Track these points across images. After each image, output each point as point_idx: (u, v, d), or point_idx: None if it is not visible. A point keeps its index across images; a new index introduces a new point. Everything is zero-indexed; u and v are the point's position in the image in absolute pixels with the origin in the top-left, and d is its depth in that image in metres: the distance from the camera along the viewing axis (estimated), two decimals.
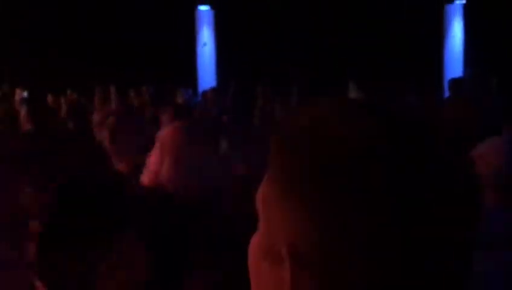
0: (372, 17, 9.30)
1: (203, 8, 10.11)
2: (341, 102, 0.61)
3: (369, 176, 0.53)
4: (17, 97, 8.38)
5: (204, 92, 8.33)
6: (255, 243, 0.61)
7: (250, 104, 7.25)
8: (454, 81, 7.63)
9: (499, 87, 6.88)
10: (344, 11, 9.40)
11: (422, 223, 0.53)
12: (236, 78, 8.60)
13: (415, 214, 0.53)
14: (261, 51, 9.59)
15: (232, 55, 9.78)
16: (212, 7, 10.10)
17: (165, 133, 2.07)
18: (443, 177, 0.55)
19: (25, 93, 8.53)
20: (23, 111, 5.21)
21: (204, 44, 10.23)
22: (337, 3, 9.42)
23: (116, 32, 9.95)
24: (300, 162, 0.56)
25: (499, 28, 8.79)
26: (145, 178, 2.08)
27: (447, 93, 7.97)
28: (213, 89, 8.16)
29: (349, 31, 9.34)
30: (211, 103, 7.56)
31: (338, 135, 0.55)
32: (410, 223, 0.53)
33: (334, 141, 0.55)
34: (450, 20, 9.56)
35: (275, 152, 0.59)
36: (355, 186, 0.53)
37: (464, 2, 9.36)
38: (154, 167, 2.04)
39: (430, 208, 0.54)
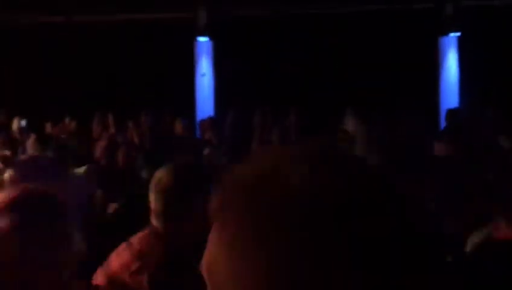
0: (369, 48, 9.44)
1: (202, 39, 10.24)
2: (287, 155, 0.59)
3: (319, 238, 0.52)
4: (15, 126, 8.41)
5: (202, 122, 8.39)
6: None
7: (249, 133, 7.29)
8: (450, 112, 7.72)
9: (494, 117, 6.94)
10: (342, 42, 9.53)
11: (374, 273, 0.53)
12: (234, 107, 8.68)
13: (364, 266, 0.52)
14: (259, 81, 9.69)
15: (231, 85, 9.87)
16: (211, 38, 10.23)
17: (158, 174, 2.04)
18: (391, 231, 0.54)
19: (24, 122, 8.55)
20: (31, 139, 5.20)
21: (203, 74, 10.34)
22: (335, 34, 9.57)
23: (115, 61, 10.05)
24: (247, 220, 0.55)
25: (492, 59, 8.93)
26: None
27: (443, 123, 8.05)
28: (210, 118, 8.22)
29: (346, 61, 9.47)
30: (208, 132, 7.61)
31: (284, 193, 0.54)
32: (360, 274, 0.52)
33: (280, 199, 0.54)
34: (445, 52, 9.70)
35: (221, 210, 0.58)
36: (306, 245, 0.52)
37: (459, 34, 9.52)
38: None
39: (379, 261, 0.53)
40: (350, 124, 7.38)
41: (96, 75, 10.06)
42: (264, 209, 0.55)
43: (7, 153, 4.57)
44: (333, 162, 0.57)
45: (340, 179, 0.55)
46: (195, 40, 10.25)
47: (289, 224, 0.53)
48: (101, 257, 2.05)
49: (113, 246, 2.05)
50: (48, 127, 8.63)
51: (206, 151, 5.59)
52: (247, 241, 0.54)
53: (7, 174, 2.15)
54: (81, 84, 10.04)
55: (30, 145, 5.14)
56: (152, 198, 1.96)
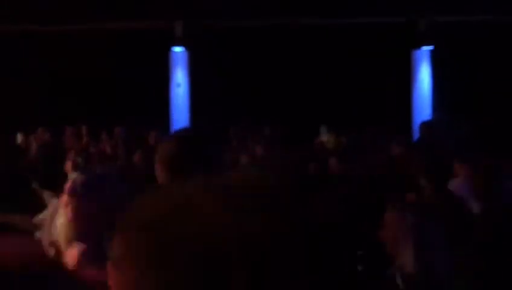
0: (343, 63, 9.53)
1: (177, 49, 10.22)
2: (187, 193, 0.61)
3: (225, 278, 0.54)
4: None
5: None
6: None
7: (224, 145, 7.27)
8: (424, 124, 7.84)
9: (467, 129, 7.06)
10: (317, 55, 9.62)
11: None
12: (209, 121, 8.67)
13: None
14: (234, 92, 9.69)
15: (206, 96, 9.86)
16: (187, 48, 10.21)
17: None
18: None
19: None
20: None
21: (178, 85, 10.30)
22: (310, 46, 9.65)
23: (90, 71, 9.95)
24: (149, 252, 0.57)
25: (464, 72, 9.12)
26: None
27: (416, 135, 8.17)
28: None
29: (321, 73, 9.55)
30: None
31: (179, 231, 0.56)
32: None
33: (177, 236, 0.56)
34: (418, 65, 9.86)
35: (126, 242, 0.59)
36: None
37: (431, 48, 9.69)
38: None
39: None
40: (325, 137, 7.44)
41: (70, 85, 9.94)
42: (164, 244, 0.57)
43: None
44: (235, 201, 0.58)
45: (244, 215, 0.57)
46: (171, 50, 10.22)
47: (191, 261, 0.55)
48: None
49: None
50: (20, 138, 8.49)
51: None
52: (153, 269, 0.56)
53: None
54: (55, 94, 9.91)
55: None
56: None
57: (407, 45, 9.75)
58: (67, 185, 1.78)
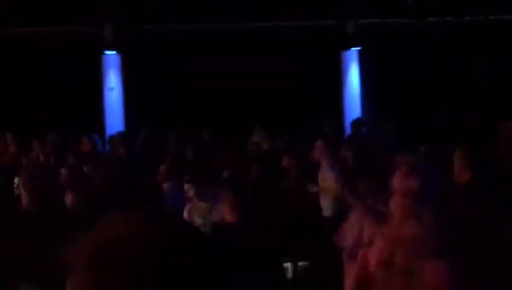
0: (276, 65, 9.72)
1: (109, 52, 10.06)
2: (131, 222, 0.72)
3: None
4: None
5: (111, 137, 8.23)
6: None
7: (162, 151, 7.27)
8: (354, 122, 8.18)
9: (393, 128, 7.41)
10: (249, 60, 9.75)
11: None
12: (144, 124, 8.61)
13: None
14: (168, 95, 9.67)
15: (140, 99, 9.77)
16: (119, 51, 10.08)
17: None
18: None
19: None
20: None
21: (111, 88, 10.15)
22: (242, 48, 9.77)
23: (18, 77, 9.62)
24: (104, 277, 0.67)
25: (390, 70, 9.54)
26: None
27: (347, 132, 8.49)
28: (120, 133, 8.09)
29: (253, 78, 9.69)
30: (119, 148, 7.49)
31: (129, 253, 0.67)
32: None
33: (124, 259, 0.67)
34: (347, 66, 10.21)
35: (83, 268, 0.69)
36: None
37: (359, 48, 10.06)
38: None
39: None
40: (258, 138, 7.58)
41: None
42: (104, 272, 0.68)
43: None
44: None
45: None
46: (103, 53, 10.06)
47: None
48: None
49: None
50: None
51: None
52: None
53: None
54: None
55: None
56: None
57: (336, 46, 10.08)
58: None
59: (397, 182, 2.21)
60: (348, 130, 8.61)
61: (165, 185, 5.56)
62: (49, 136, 7.89)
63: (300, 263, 4.84)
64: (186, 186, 4.44)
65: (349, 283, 2.97)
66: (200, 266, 0.68)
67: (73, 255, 0.71)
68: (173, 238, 0.69)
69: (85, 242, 0.70)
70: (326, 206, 5.36)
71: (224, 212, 4.00)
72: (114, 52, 10.06)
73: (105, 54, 10.06)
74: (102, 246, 0.68)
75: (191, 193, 4.39)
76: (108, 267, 0.66)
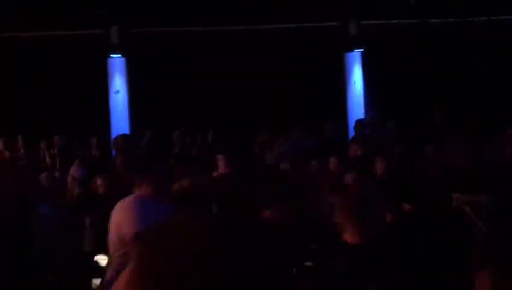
0: (280, 64, 9.79)
1: (114, 55, 10.17)
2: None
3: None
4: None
5: (115, 139, 8.31)
6: None
7: (166, 151, 7.36)
8: (358, 123, 8.24)
9: (395, 127, 7.46)
10: (254, 58, 9.83)
11: None
12: (150, 126, 8.70)
13: None
14: (174, 97, 9.75)
15: (145, 102, 9.87)
16: (124, 55, 10.18)
17: None
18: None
19: None
20: None
21: (117, 91, 10.25)
22: (248, 50, 9.85)
23: (26, 80, 9.74)
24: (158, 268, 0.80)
25: (395, 72, 9.59)
26: None
27: (352, 133, 8.55)
28: (123, 136, 8.16)
29: (259, 79, 9.76)
30: (121, 149, 7.56)
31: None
32: None
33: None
34: (351, 67, 10.28)
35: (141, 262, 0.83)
36: None
37: (362, 50, 10.12)
38: None
39: None
40: (264, 138, 7.65)
41: (5, 93, 9.67)
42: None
43: None
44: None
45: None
46: (108, 57, 10.16)
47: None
48: None
49: None
50: None
51: None
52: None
53: None
54: None
55: None
56: None
57: (340, 48, 10.15)
58: None
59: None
60: (351, 131, 8.68)
61: None
62: (56, 139, 8.00)
63: None
64: None
65: None
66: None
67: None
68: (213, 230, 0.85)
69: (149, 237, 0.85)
70: None
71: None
72: (119, 55, 10.17)
73: (111, 57, 10.17)
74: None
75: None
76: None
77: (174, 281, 0.79)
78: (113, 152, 7.84)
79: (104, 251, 3.91)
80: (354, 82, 10.17)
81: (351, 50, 10.15)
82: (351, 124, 8.84)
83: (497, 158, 5.20)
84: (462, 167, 4.60)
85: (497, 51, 9.58)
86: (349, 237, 2.44)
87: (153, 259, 0.81)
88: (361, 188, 3.88)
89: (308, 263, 3.47)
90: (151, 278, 0.80)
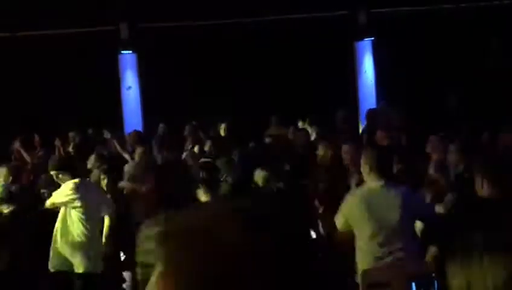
0: (291, 55, 9.78)
1: (125, 52, 10.23)
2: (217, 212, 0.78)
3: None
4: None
5: (129, 135, 8.38)
6: None
7: (179, 145, 7.41)
8: (370, 112, 8.21)
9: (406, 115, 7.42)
10: (265, 50, 9.82)
11: None
12: (162, 121, 8.76)
13: None
14: (185, 92, 9.79)
15: (157, 97, 9.92)
16: (135, 51, 10.24)
17: None
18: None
19: None
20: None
21: (129, 87, 10.32)
22: (259, 42, 9.84)
23: (37, 78, 9.83)
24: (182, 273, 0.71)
25: (405, 60, 9.53)
26: None
27: (363, 122, 8.53)
28: (135, 132, 8.23)
29: (270, 68, 9.76)
30: (134, 145, 7.61)
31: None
32: None
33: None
34: (361, 56, 10.23)
35: (168, 249, 0.74)
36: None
37: (372, 38, 10.07)
38: None
39: None
40: (275, 130, 7.67)
41: (20, 91, 9.77)
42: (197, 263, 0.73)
43: None
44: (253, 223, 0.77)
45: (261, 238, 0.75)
46: (119, 53, 10.22)
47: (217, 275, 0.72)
48: None
49: None
50: None
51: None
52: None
53: None
54: (2, 103, 9.70)
55: None
56: None
57: (350, 37, 10.10)
58: None
59: None
60: (362, 120, 8.66)
61: None
62: (70, 136, 8.07)
63: None
64: None
65: None
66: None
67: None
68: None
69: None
70: None
71: None
72: (130, 51, 10.22)
73: (122, 53, 10.23)
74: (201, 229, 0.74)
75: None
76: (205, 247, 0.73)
77: (204, 284, 0.72)
78: (130, 148, 7.90)
79: None
80: (365, 71, 10.13)
81: (361, 39, 10.11)
82: (363, 113, 8.81)
83: None
84: None
85: (511, 35, 9.45)
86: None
87: (181, 260, 0.74)
88: None
89: None
90: (179, 281, 0.73)
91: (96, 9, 9.60)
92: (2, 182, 5.36)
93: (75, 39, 9.80)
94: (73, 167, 4.82)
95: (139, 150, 6.36)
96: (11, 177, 5.34)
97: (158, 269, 0.74)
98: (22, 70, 9.75)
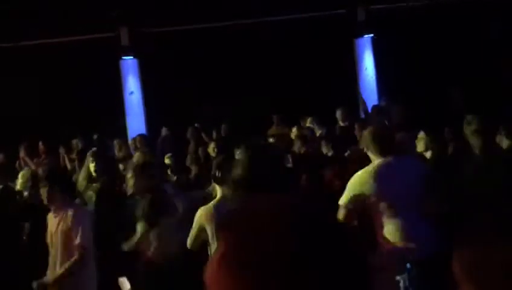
0: (292, 54, 9.80)
1: (126, 57, 10.29)
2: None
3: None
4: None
5: (133, 140, 8.44)
6: None
7: (182, 148, 7.45)
8: (375, 108, 8.21)
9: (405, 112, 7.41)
10: (267, 51, 9.85)
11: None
12: (165, 125, 8.80)
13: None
14: (187, 95, 9.83)
15: (160, 101, 9.97)
16: (135, 56, 10.30)
17: None
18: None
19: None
20: None
21: (131, 92, 10.37)
22: (260, 43, 9.87)
23: (40, 87, 9.89)
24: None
25: (404, 55, 9.52)
26: None
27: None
28: (140, 136, 8.28)
29: (272, 68, 9.78)
30: (141, 148, 7.66)
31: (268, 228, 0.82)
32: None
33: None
34: (361, 53, 10.23)
35: (230, 240, 0.84)
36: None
37: (372, 35, 10.07)
38: None
39: None
40: (277, 129, 7.68)
41: (22, 100, 9.83)
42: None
43: None
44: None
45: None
46: (121, 59, 10.28)
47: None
48: None
49: None
50: None
51: None
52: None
53: None
54: (7, 111, 9.76)
55: None
56: None
57: (349, 34, 10.10)
58: None
59: None
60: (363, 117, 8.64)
61: None
62: (74, 143, 8.12)
63: None
64: None
65: None
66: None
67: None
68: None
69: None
70: None
71: None
72: (131, 57, 10.28)
73: (123, 59, 10.29)
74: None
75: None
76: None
77: (261, 271, 0.79)
78: (132, 152, 7.94)
79: None
80: (366, 68, 10.14)
81: (361, 36, 10.11)
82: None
83: None
84: None
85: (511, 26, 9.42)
86: None
87: (240, 247, 0.81)
88: None
89: None
90: (238, 268, 0.80)
91: (96, 16, 9.66)
92: (22, 183, 5.48)
93: (76, 46, 9.87)
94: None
95: (137, 154, 6.38)
96: (31, 182, 5.39)
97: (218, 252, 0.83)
98: (25, 79, 9.82)
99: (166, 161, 6.13)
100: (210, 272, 0.82)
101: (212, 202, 3.68)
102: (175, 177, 5.76)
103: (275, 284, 0.78)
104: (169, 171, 5.79)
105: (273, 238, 0.81)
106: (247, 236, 0.82)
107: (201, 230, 3.63)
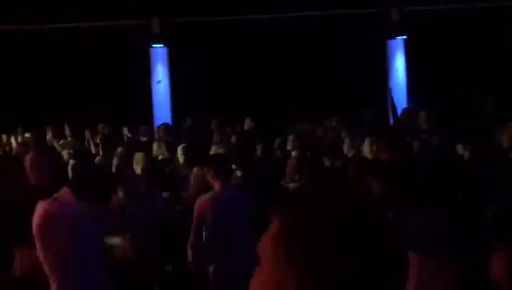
0: (321, 52, 9.71)
1: (156, 46, 10.31)
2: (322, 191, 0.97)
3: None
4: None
5: (158, 127, 8.47)
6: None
7: (205, 139, 7.43)
8: (405, 111, 8.07)
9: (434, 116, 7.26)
10: (296, 46, 9.77)
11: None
12: (191, 115, 8.80)
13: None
14: (214, 86, 9.82)
15: (187, 91, 9.97)
16: (165, 44, 10.31)
17: None
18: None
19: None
20: None
21: (159, 81, 10.39)
22: (290, 38, 9.79)
23: (70, 70, 9.99)
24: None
25: (438, 59, 9.35)
26: None
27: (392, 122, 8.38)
28: (164, 125, 8.30)
29: (300, 65, 9.70)
30: (164, 137, 7.68)
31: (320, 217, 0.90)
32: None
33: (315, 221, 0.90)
34: (393, 54, 10.08)
35: (285, 225, 0.92)
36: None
37: (405, 37, 9.91)
38: None
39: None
40: (301, 127, 7.59)
41: (50, 84, 9.96)
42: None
43: None
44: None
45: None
46: (150, 47, 10.31)
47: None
48: None
49: None
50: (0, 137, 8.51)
51: None
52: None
53: None
54: (36, 93, 9.90)
55: None
56: None
57: (382, 35, 9.96)
58: None
59: None
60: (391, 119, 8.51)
61: None
62: (99, 127, 8.18)
63: None
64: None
65: None
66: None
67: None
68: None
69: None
70: None
71: None
72: (161, 45, 10.29)
73: (153, 47, 10.31)
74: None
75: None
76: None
77: (317, 249, 0.87)
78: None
79: None
80: (397, 70, 9.98)
81: (394, 37, 9.96)
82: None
83: None
84: None
85: None
86: None
87: (296, 225, 0.89)
88: None
89: None
90: (293, 245, 0.88)
91: (128, 4, 9.69)
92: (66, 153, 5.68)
93: (107, 32, 9.92)
94: None
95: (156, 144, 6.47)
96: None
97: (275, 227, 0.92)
98: (55, 63, 9.92)
99: (179, 151, 6.15)
100: (264, 246, 0.92)
101: (211, 192, 3.96)
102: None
103: (322, 260, 0.87)
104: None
105: (323, 222, 0.89)
106: (301, 217, 0.91)
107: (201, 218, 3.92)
